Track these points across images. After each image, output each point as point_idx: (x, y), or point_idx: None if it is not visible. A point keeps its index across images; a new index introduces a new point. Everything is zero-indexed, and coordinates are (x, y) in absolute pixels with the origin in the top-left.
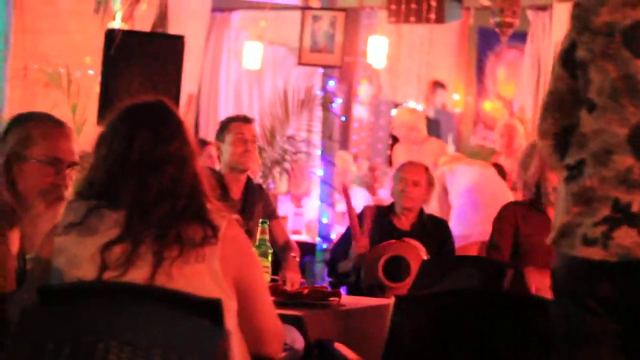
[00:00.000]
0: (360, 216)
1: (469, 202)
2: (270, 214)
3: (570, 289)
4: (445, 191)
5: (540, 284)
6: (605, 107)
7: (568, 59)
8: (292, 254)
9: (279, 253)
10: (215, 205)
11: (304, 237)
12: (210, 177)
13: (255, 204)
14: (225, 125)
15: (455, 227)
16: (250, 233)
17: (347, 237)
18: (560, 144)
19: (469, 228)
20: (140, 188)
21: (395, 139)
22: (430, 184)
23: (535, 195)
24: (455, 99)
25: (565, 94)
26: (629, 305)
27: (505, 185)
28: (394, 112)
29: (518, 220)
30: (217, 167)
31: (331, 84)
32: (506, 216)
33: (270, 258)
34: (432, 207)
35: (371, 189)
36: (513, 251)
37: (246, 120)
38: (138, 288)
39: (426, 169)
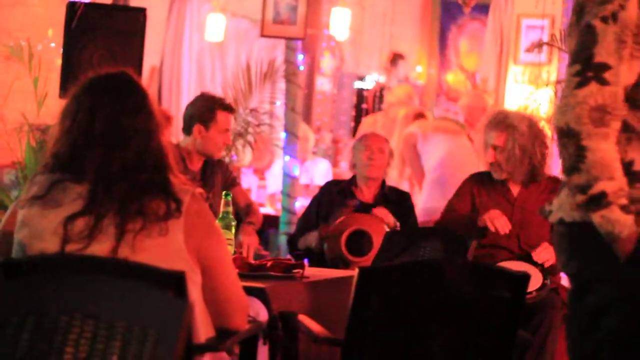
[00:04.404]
0: (322, 191)
1: (441, 177)
2: (231, 182)
3: None
4: (415, 152)
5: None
6: None
7: None
8: (249, 220)
9: (242, 217)
10: (179, 178)
11: (267, 210)
12: (175, 150)
13: (214, 174)
14: (213, 112)
15: (426, 199)
16: (211, 205)
17: (309, 214)
18: None
19: (437, 202)
20: (105, 161)
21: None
22: (391, 154)
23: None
24: (418, 71)
25: None
26: None
27: (474, 156)
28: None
29: (477, 191)
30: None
31: (298, 57)
32: (465, 187)
33: (233, 230)
34: (392, 178)
35: (334, 161)
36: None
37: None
38: (101, 261)
39: (386, 139)
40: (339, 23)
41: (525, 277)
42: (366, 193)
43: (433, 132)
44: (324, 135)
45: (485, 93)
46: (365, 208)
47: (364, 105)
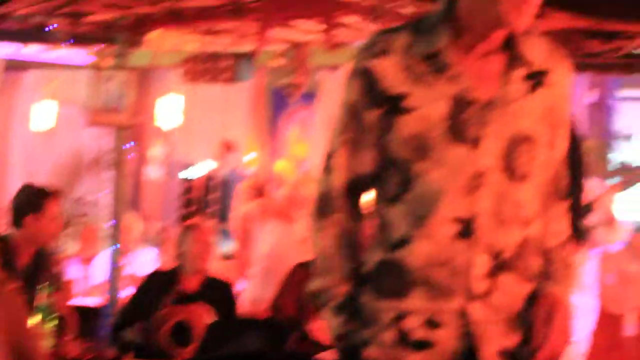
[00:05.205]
0: (147, 282)
1: (268, 267)
2: (57, 286)
3: None
4: (248, 237)
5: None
6: None
7: None
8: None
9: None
10: None
11: (92, 300)
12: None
13: (43, 269)
14: (41, 201)
15: (252, 289)
16: (33, 299)
17: (133, 304)
18: None
19: (264, 292)
20: None
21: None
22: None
23: None
24: (250, 158)
25: None
26: None
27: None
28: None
29: (304, 280)
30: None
31: (126, 145)
32: (293, 278)
33: (52, 323)
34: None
35: (163, 249)
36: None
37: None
38: None
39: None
40: (167, 111)
41: None
42: (191, 283)
43: (272, 217)
44: (152, 223)
45: (310, 182)
46: (190, 298)
47: (190, 195)
